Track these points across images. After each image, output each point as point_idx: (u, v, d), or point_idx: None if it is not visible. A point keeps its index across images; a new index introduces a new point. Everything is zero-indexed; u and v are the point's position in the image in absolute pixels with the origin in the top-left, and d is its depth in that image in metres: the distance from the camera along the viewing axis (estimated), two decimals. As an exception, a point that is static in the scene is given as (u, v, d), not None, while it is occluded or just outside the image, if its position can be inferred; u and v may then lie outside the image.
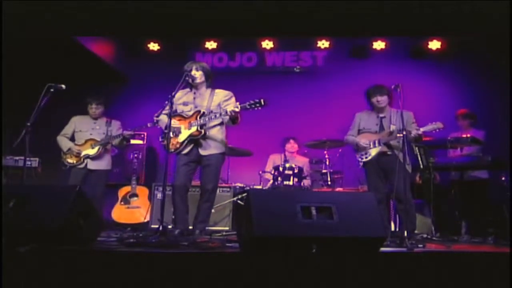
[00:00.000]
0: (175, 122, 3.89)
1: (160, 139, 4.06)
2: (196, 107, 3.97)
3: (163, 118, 3.94)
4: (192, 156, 3.90)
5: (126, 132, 4.79)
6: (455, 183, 4.82)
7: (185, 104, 4.01)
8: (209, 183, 3.90)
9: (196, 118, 3.89)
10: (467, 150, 4.99)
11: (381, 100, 4.25)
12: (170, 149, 3.85)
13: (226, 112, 3.75)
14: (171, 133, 3.80)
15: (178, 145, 3.90)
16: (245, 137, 5.70)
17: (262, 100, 3.62)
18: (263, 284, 2.36)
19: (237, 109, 3.69)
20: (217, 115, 3.84)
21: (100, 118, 4.96)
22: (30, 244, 2.39)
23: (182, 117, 3.98)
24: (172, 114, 3.66)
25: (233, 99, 4.02)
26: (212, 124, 3.92)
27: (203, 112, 3.90)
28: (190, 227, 3.92)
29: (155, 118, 4.05)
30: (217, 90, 4.06)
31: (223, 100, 3.99)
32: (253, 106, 3.65)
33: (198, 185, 4.23)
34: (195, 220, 3.92)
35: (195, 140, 3.89)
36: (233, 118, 3.80)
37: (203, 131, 3.86)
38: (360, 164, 4.29)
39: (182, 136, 3.90)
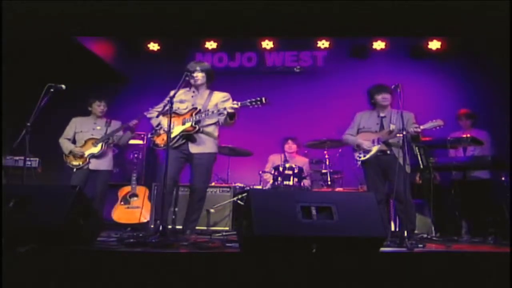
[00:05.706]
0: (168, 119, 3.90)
1: (150, 135, 4.10)
2: (192, 105, 3.98)
3: (155, 116, 4.00)
4: (183, 152, 3.89)
5: (133, 122, 4.76)
6: (456, 183, 4.81)
7: (181, 101, 4.00)
8: (201, 182, 3.90)
9: (191, 115, 3.89)
10: (471, 151, 4.99)
11: (387, 97, 4.27)
12: (160, 145, 3.92)
13: (224, 110, 3.75)
14: (161, 130, 3.95)
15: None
16: (245, 137, 5.69)
17: (263, 98, 3.63)
18: (263, 284, 2.36)
19: (236, 106, 3.69)
20: (214, 111, 3.83)
21: (100, 119, 4.96)
22: (30, 244, 2.40)
23: (176, 114, 3.93)
24: (166, 112, 3.73)
25: (231, 100, 4.01)
26: (207, 122, 3.93)
27: (199, 110, 3.90)
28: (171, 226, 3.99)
29: (147, 115, 4.10)
30: (215, 92, 4.07)
31: (220, 101, 3.99)
32: (253, 103, 3.66)
33: (187, 185, 4.26)
34: (186, 220, 3.93)
35: (187, 136, 3.88)
36: (231, 115, 3.77)
37: (197, 127, 3.86)
38: (358, 163, 4.29)
39: (174, 132, 3.86)
